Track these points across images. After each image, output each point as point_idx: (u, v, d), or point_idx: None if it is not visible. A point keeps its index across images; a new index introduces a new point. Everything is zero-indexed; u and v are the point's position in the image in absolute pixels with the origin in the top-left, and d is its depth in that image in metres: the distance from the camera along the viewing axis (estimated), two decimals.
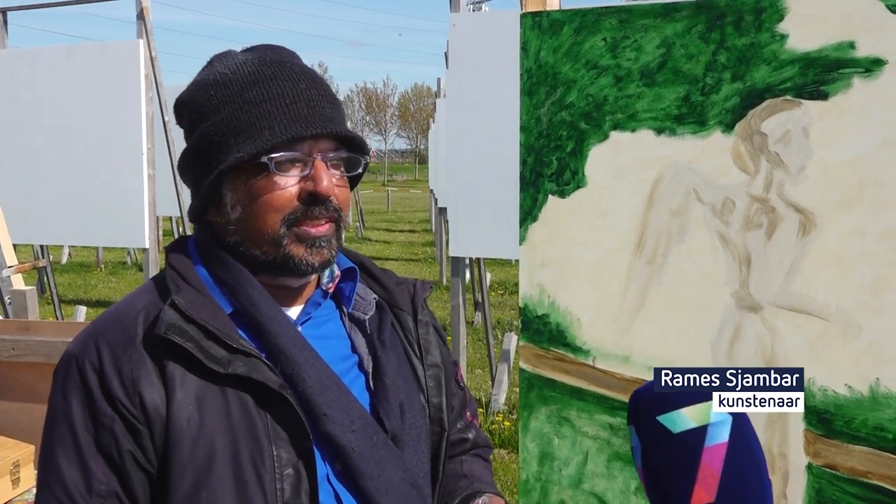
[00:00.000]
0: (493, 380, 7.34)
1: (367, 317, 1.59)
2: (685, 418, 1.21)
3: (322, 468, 1.41)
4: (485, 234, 6.05)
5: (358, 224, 25.75)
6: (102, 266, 17.09)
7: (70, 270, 16.75)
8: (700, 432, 1.19)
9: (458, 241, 6.32)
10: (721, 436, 1.19)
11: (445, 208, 12.20)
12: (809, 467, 2.00)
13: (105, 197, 6.92)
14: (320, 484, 1.39)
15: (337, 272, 1.59)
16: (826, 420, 1.97)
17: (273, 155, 1.41)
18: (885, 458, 1.92)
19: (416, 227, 27.53)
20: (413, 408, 1.55)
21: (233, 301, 1.46)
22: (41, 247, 8.72)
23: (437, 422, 1.62)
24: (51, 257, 14.62)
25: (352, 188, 1.60)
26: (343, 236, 1.51)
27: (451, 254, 6.48)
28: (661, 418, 1.22)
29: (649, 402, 1.25)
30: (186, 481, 1.34)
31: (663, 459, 1.21)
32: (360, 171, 1.54)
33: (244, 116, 1.43)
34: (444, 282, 13.80)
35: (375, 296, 1.64)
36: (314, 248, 1.44)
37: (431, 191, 19.97)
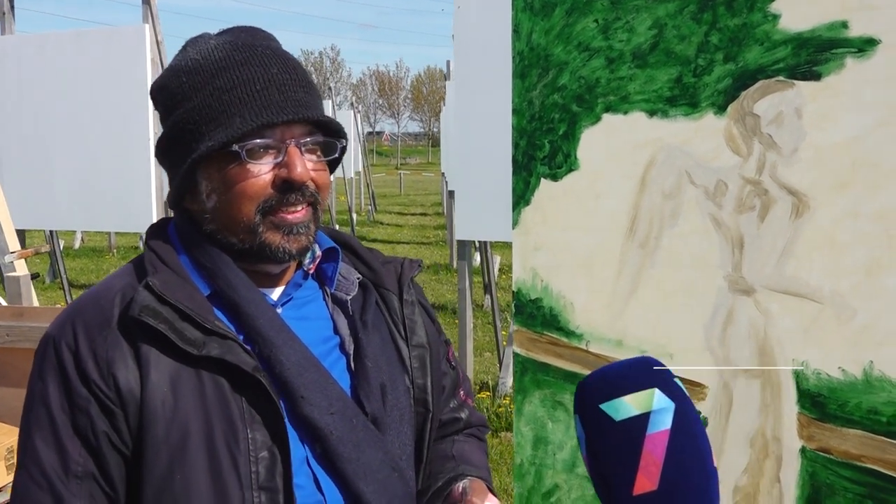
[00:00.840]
0: (500, 363, 7.34)
1: (349, 297, 1.59)
2: (627, 406, 1.19)
3: (301, 451, 1.41)
4: (491, 217, 6.03)
5: (370, 207, 25.76)
6: (115, 251, 17.15)
7: (83, 255, 16.83)
8: (642, 419, 1.18)
9: (464, 224, 6.31)
10: (664, 423, 1.18)
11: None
12: (803, 451, 1.98)
13: (113, 182, 6.94)
14: (299, 466, 1.39)
15: (318, 252, 1.59)
16: (820, 404, 1.96)
17: (244, 143, 1.40)
18: (878, 442, 1.90)
19: (429, 211, 27.53)
20: (396, 389, 1.54)
21: (211, 283, 1.46)
22: (51, 232, 8.75)
23: (422, 403, 1.61)
24: (63, 242, 14.68)
25: (332, 171, 1.59)
26: (321, 219, 1.50)
27: (457, 237, 6.49)
28: (604, 406, 1.20)
29: (592, 390, 1.24)
30: (161, 462, 1.34)
31: (606, 447, 1.20)
32: (336, 154, 1.53)
33: (215, 104, 1.42)
34: (455, 265, 13.80)
35: (359, 276, 1.63)
36: (291, 234, 1.44)
37: (443, 174, 19.95)
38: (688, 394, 1.24)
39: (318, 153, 1.49)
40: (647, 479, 1.16)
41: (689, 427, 1.19)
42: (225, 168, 1.43)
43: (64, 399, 1.37)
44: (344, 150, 1.55)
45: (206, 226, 1.48)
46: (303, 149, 1.44)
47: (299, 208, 1.44)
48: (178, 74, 1.48)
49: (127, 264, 1.53)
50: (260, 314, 1.44)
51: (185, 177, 1.47)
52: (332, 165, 1.59)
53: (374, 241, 19.24)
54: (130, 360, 1.36)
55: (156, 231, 1.54)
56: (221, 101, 1.42)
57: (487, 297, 10.43)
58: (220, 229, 1.46)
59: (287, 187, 1.42)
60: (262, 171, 1.42)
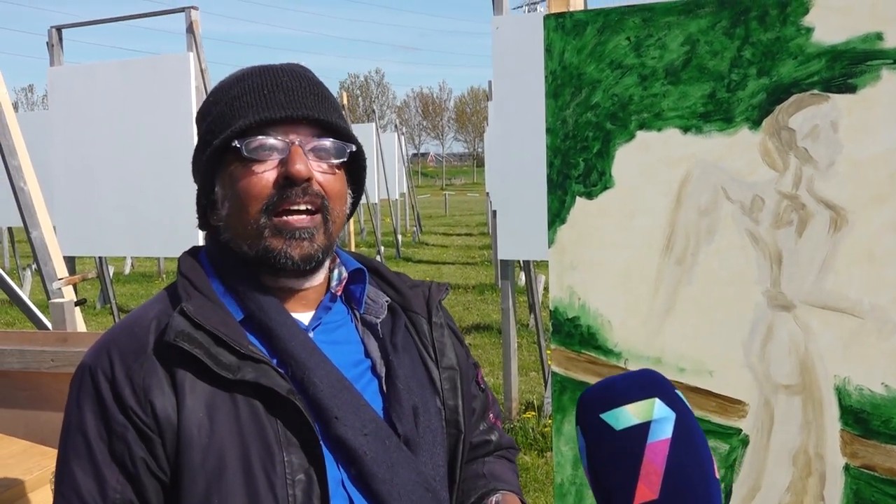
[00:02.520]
0: (545, 382, 7.30)
1: (378, 320, 1.59)
2: (628, 415, 1.18)
3: (336, 473, 1.42)
4: (533, 237, 6.02)
5: (415, 229, 25.83)
6: (164, 276, 17.36)
7: (133, 280, 17.05)
8: (643, 428, 1.17)
9: (507, 244, 6.31)
10: (664, 432, 1.16)
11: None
12: (847, 468, 1.95)
13: (160, 208, 7.04)
14: (335, 489, 1.40)
15: (345, 274, 1.59)
16: (863, 420, 1.93)
17: (245, 139, 1.43)
18: None
19: (474, 231, 27.52)
20: (428, 411, 1.55)
21: (243, 308, 1.47)
22: (99, 258, 8.88)
23: (454, 424, 1.61)
24: (113, 269, 14.89)
25: (359, 187, 1.60)
26: (332, 232, 1.50)
27: (500, 257, 6.49)
28: (605, 416, 1.20)
29: (593, 400, 1.23)
30: (198, 488, 1.35)
31: (607, 457, 1.19)
32: (346, 159, 1.51)
33: (227, 111, 1.47)
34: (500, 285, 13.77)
35: (388, 299, 1.64)
36: (293, 239, 1.44)
37: (488, 194, 19.95)
38: (689, 405, 1.23)
39: (331, 159, 1.49)
40: (647, 489, 1.14)
41: (690, 436, 1.18)
42: (233, 170, 1.45)
43: (101, 426, 1.38)
44: (360, 158, 1.56)
45: (223, 236, 1.50)
46: (307, 150, 1.45)
47: (302, 208, 1.44)
48: (208, 96, 1.53)
49: (160, 292, 1.55)
50: (292, 337, 1.45)
51: (205, 187, 1.51)
52: (359, 185, 1.60)
53: (420, 261, 19.26)
54: (167, 386, 1.38)
55: (188, 258, 1.56)
56: (232, 108, 1.46)
57: (532, 316, 10.41)
58: (234, 237, 1.48)
59: (287, 184, 1.43)
60: (266, 169, 1.44)
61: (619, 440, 1.18)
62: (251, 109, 1.44)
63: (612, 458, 1.18)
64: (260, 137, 1.43)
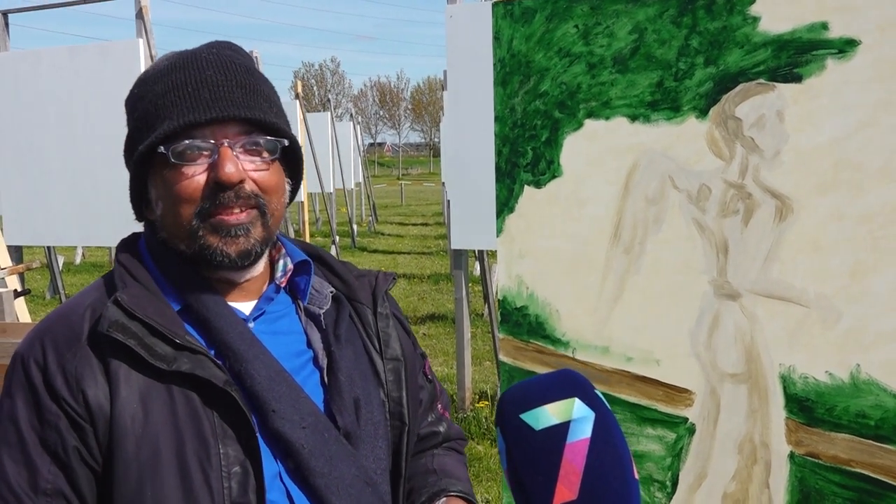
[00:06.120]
0: (499, 372, 7.31)
1: (322, 311, 1.57)
2: (548, 415, 1.17)
3: (274, 466, 1.40)
4: (486, 226, 6.01)
5: (371, 218, 25.75)
6: None
7: (83, 271, 16.81)
8: (562, 428, 1.16)
9: (460, 234, 6.29)
10: (584, 431, 1.16)
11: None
12: (791, 456, 1.97)
13: (111, 196, 6.92)
14: (272, 482, 1.38)
15: (290, 266, 1.57)
16: (807, 408, 1.94)
17: (171, 144, 1.38)
18: (866, 446, 1.88)
19: (430, 221, 27.49)
20: (370, 403, 1.53)
21: (181, 298, 1.44)
22: (48, 248, 8.73)
23: (398, 416, 1.59)
24: (64, 258, 14.66)
25: (297, 180, 1.57)
26: (270, 224, 1.46)
27: (453, 246, 6.48)
28: (524, 416, 1.18)
29: (513, 400, 1.22)
30: (131, 479, 1.33)
31: (526, 457, 1.17)
32: (277, 155, 1.47)
33: (152, 109, 1.42)
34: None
35: (333, 289, 1.61)
36: (229, 237, 1.41)
37: (444, 184, 19.91)
38: (608, 405, 1.22)
39: (264, 154, 1.44)
40: (566, 489, 1.13)
41: (608, 436, 1.17)
42: (163, 173, 1.41)
43: (33, 415, 1.35)
44: (295, 151, 1.52)
45: (159, 234, 1.47)
46: (237, 149, 1.41)
47: (236, 210, 1.41)
48: (132, 88, 1.48)
49: (97, 280, 1.52)
50: (230, 328, 1.42)
51: (136, 186, 1.47)
52: (298, 175, 1.57)
53: (375, 251, 19.21)
54: (100, 375, 1.35)
55: (126, 246, 1.52)
56: (156, 106, 1.41)
57: (486, 306, 10.42)
58: (170, 237, 1.45)
59: (218, 187, 1.39)
60: (196, 172, 1.39)
61: (538, 440, 1.17)
62: (175, 111, 1.39)
63: (532, 458, 1.17)
64: (186, 141, 1.38)
